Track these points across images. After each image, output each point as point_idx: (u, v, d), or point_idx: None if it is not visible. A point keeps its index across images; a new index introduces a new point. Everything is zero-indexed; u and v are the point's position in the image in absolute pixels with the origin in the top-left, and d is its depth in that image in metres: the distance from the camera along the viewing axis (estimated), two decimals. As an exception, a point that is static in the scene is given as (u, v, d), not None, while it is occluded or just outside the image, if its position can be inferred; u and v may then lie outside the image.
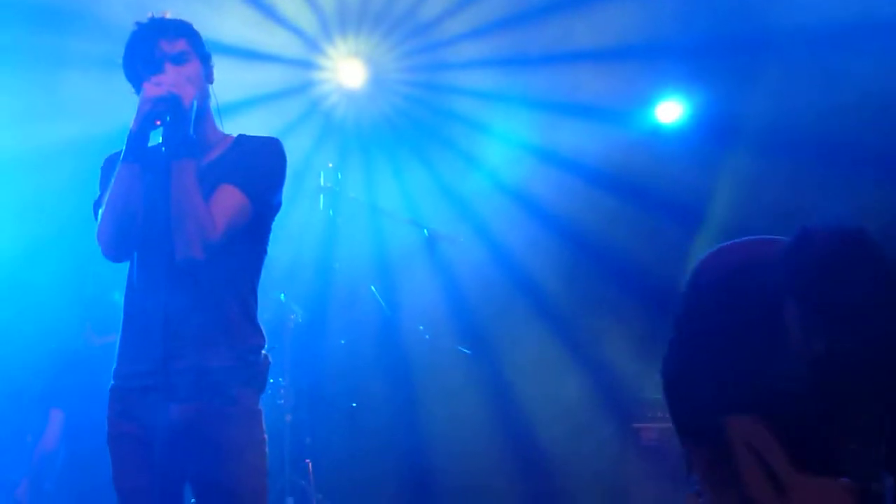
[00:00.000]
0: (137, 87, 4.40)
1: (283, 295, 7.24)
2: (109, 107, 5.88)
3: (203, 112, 4.43)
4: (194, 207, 4.22)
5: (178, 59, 4.41)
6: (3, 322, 7.51)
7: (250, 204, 4.37)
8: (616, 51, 8.12)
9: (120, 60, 4.45)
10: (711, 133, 8.19)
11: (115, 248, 4.34)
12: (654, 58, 8.12)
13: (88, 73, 7.53)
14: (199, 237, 4.20)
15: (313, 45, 8.34)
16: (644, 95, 8.28)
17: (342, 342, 7.78)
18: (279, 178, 4.50)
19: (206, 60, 4.54)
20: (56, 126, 7.58)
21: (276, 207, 4.52)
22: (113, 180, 4.27)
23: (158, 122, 4.24)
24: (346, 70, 8.45)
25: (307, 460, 7.33)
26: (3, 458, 7.43)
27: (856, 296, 3.03)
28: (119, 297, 4.51)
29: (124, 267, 4.46)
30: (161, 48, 4.40)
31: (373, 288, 7.95)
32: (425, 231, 8.03)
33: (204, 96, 4.46)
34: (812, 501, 3.67)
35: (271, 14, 8.00)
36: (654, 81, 8.23)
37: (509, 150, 8.42)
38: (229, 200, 4.33)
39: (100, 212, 4.35)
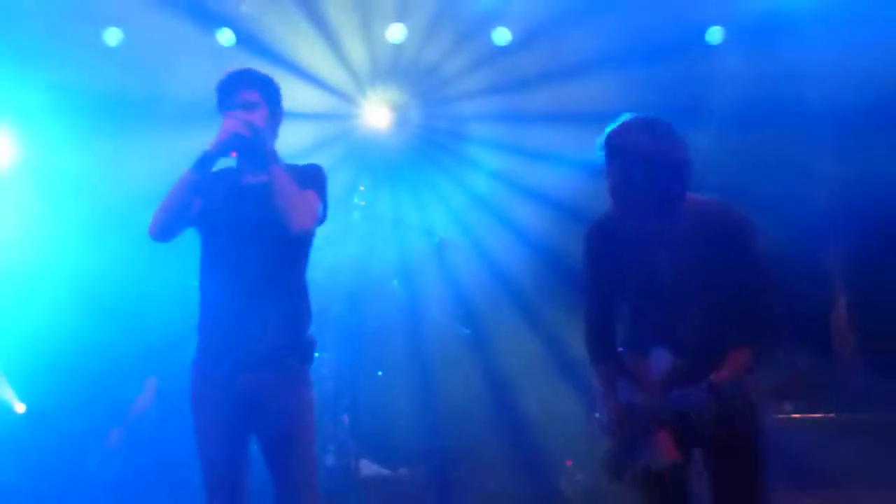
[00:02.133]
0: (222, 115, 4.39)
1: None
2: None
3: (269, 140, 4.40)
4: (299, 192, 4.27)
5: (251, 107, 4.35)
6: (108, 307, 7.35)
7: (321, 204, 4.40)
8: (594, 115, 8.01)
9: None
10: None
11: (161, 232, 4.34)
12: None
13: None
14: (308, 213, 4.28)
15: (350, 95, 8.28)
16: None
17: (371, 325, 7.72)
18: (326, 189, 4.48)
19: (275, 107, 4.49)
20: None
21: (326, 215, 4.49)
22: (177, 181, 4.29)
23: (234, 154, 4.30)
24: (376, 114, 8.40)
25: (345, 416, 7.28)
26: (99, 413, 7.27)
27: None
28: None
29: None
30: (240, 95, 4.37)
31: (395, 282, 7.98)
32: (436, 239, 8.03)
33: (269, 131, 4.42)
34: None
35: (318, 71, 7.93)
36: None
37: (501, 182, 8.37)
38: (313, 197, 4.35)
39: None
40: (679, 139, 4.12)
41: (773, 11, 7.49)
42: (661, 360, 4.11)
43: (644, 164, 4.05)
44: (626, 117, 4.19)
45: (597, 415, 4.62)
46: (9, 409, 7.55)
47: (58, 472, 7.04)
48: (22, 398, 7.59)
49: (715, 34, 7.80)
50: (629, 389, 4.15)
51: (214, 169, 4.36)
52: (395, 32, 7.90)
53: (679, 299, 4.09)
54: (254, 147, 4.23)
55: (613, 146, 4.13)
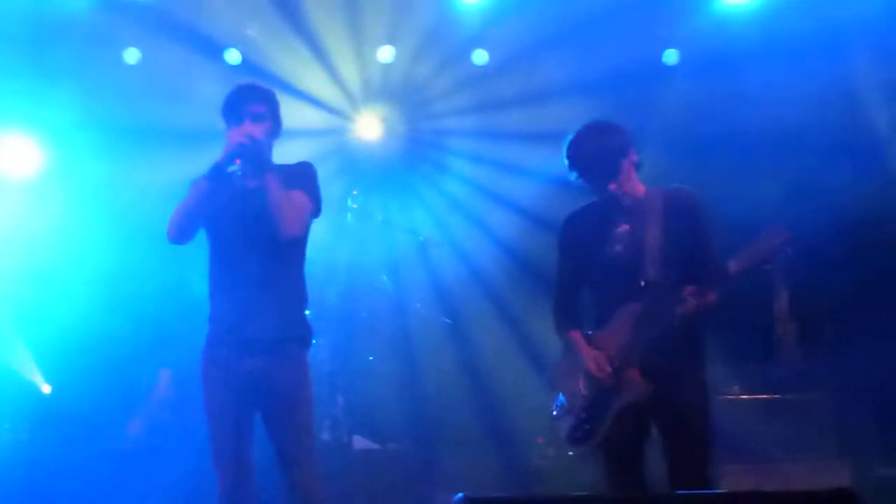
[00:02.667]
0: (227, 127, 4.48)
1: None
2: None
3: (267, 151, 4.46)
4: (289, 200, 4.35)
5: (257, 118, 4.45)
6: (126, 303, 7.46)
7: (312, 204, 4.47)
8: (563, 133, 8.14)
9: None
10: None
11: (178, 235, 4.41)
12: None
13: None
14: (297, 219, 4.37)
15: (344, 111, 8.35)
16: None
17: (363, 315, 7.73)
18: (318, 186, 4.56)
19: (277, 121, 4.57)
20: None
21: (320, 209, 4.58)
22: (190, 188, 4.39)
23: (238, 161, 4.32)
24: (367, 127, 8.44)
25: (339, 396, 7.31)
26: (118, 403, 7.36)
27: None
28: (203, 287, 4.59)
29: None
30: (247, 108, 4.46)
31: (384, 277, 8.00)
32: (420, 238, 8.10)
33: (270, 143, 4.50)
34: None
35: (315, 90, 8.02)
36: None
37: (478, 189, 8.50)
38: (303, 199, 4.43)
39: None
40: (616, 130, 4.47)
41: (724, 36, 7.58)
42: (629, 308, 4.32)
43: (610, 159, 4.39)
44: (586, 123, 4.52)
45: (557, 402, 4.72)
46: (36, 390, 7.62)
47: (78, 447, 7.02)
48: (48, 381, 7.66)
49: (671, 56, 7.89)
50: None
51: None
52: (385, 53, 7.94)
53: (640, 272, 4.31)
54: (254, 156, 4.31)
55: (572, 149, 4.48)
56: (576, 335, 4.52)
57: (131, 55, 7.78)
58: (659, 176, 7.94)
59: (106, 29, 7.58)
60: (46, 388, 7.67)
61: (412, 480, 7.01)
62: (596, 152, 4.42)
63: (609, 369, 4.34)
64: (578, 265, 4.56)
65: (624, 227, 4.43)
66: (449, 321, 7.93)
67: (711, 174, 7.75)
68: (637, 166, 4.48)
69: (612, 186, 4.42)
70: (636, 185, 4.48)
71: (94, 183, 7.80)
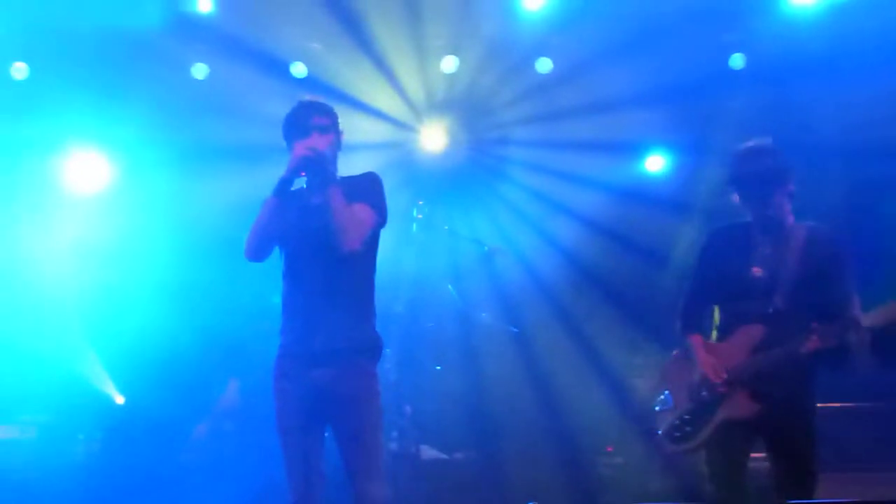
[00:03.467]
0: (289, 146, 4.50)
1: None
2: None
3: (333, 164, 4.50)
4: (350, 215, 4.35)
5: (322, 130, 4.48)
6: (196, 315, 7.49)
7: (376, 215, 4.47)
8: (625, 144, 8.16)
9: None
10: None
11: (255, 253, 4.45)
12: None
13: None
14: (357, 234, 4.36)
15: (408, 123, 8.34)
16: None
17: (429, 324, 7.78)
18: (384, 197, 4.58)
19: (339, 134, 4.60)
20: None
21: (385, 220, 4.58)
22: (261, 207, 4.41)
23: (303, 174, 4.37)
24: (431, 138, 8.43)
25: (407, 406, 7.31)
26: (187, 407, 7.40)
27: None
28: (277, 300, 4.61)
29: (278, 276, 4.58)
30: (312, 120, 4.47)
31: (450, 286, 7.98)
32: (485, 247, 8.05)
33: (335, 154, 4.53)
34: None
35: (379, 103, 8.03)
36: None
37: (541, 199, 8.47)
38: (366, 212, 4.43)
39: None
40: (778, 156, 4.64)
41: (792, 38, 7.41)
42: (752, 329, 4.50)
43: (768, 185, 4.56)
44: (754, 142, 4.71)
45: (662, 395, 4.88)
46: (110, 400, 7.71)
47: (149, 457, 7.15)
48: (122, 392, 7.74)
49: (737, 60, 7.73)
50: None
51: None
52: (449, 64, 7.90)
53: (771, 299, 4.51)
54: (319, 168, 4.33)
55: (734, 167, 4.70)
56: (697, 340, 4.74)
57: (199, 71, 7.83)
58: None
59: (174, 45, 7.61)
60: (120, 399, 7.74)
61: (480, 490, 7.03)
62: (756, 174, 4.57)
63: (724, 376, 4.54)
64: (715, 278, 4.73)
65: (766, 252, 4.60)
66: (514, 330, 7.90)
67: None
68: (791, 197, 4.62)
69: (764, 211, 4.58)
70: (787, 215, 4.63)
71: (163, 197, 7.89)
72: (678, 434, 4.68)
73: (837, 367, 4.71)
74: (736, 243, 4.67)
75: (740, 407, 4.50)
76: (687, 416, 4.65)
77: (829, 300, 4.44)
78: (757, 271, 4.56)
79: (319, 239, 4.39)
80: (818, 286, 4.46)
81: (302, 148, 4.34)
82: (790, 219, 4.63)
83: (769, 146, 4.69)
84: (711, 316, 4.86)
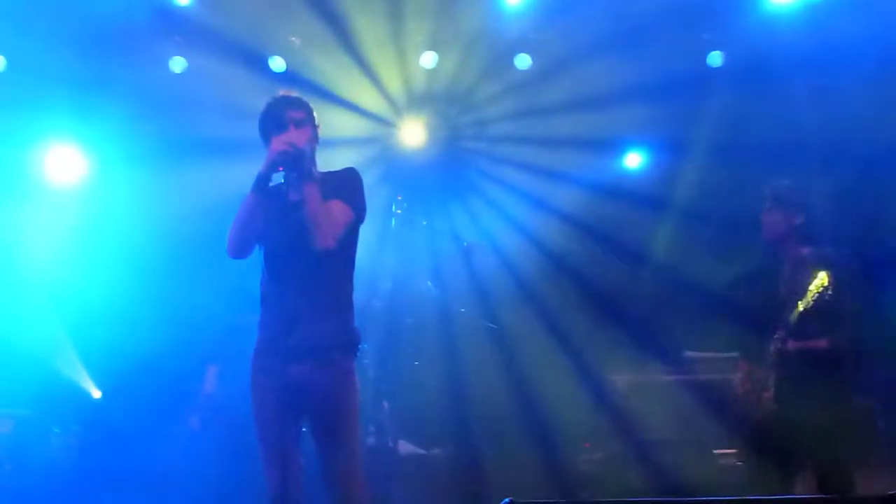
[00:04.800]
0: (266, 142, 4.48)
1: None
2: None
3: (311, 158, 4.48)
4: (326, 213, 4.35)
5: (299, 124, 4.46)
6: (176, 303, 7.42)
7: (353, 212, 4.47)
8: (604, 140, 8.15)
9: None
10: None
11: (236, 250, 4.44)
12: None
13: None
14: (331, 232, 4.35)
15: (388, 118, 8.31)
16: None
17: (408, 320, 7.67)
18: (363, 193, 4.57)
19: (315, 128, 4.59)
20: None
21: (363, 216, 4.58)
22: (240, 204, 4.40)
23: (281, 168, 4.35)
24: (411, 134, 8.41)
25: (384, 402, 7.28)
26: (178, 400, 7.35)
27: None
28: (255, 293, 4.59)
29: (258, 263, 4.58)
30: (288, 115, 4.43)
31: (429, 282, 7.97)
32: (464, 243, 8.10)
33: (312, 149, 4.51)
34: None
35: (358, 99, 7.99)
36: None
37: (520, 194, 8.45)
38: (341, 209, 4.43)
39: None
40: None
41: (770, 36, 7.41)
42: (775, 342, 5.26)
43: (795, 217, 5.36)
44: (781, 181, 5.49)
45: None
46: (87, 394, 7.69)
47: (126, 450, 7.14)
48: (98, 386, 7.73)
49: (716, 58, 7.74)
50: None
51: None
52: (428, 59, 7.87)
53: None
54: (297, 163, 4.31)
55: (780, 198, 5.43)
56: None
57: (177, 64, 7.78)
58: (704, 181, 7.94)
59: (153, 38, 7.59)
60: (97, 393, 7.73)
61: (457, 485, 7.01)
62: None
63: (749, 386, 5.36)
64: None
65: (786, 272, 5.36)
66: (493, 326, 7.85)
67: (757, 179, 7.68)
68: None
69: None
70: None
71: (140, 191, 7.83)
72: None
73: None
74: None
75: (763, 407, 5.30)
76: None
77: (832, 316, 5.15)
78: (782, 288, 5.33)
79: (297, 235, 4.36)
80: (826, 304, 5.12)
81: (279, 143, 4.33)
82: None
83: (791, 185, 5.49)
84: None
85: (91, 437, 7.43)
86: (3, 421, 6.97)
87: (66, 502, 6.83)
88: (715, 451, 7.07)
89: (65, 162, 8.04)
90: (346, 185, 4.51)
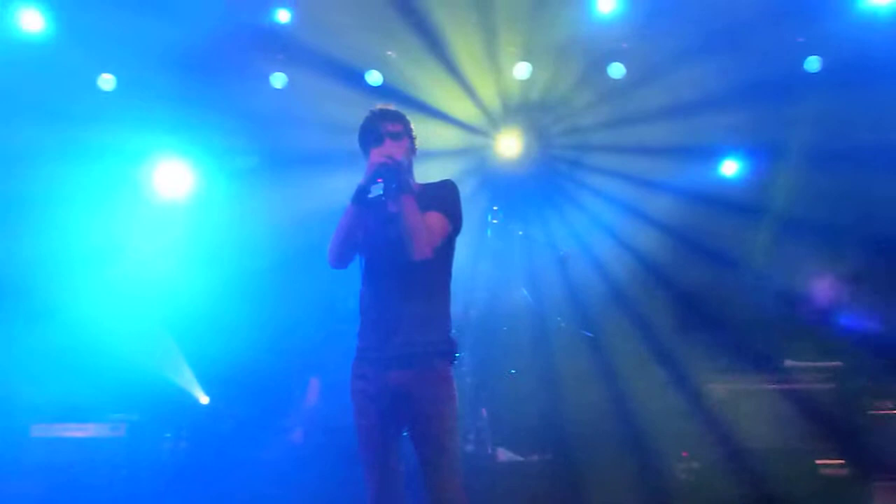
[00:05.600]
0: (365, 154, 4.49)
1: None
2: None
3: (408, 170, 4.50)
4: (423, 224, 4.35)
5: (396, 136, 4.47)
6: (279, 313, 7.56)
7: (450, 223, 4.47)
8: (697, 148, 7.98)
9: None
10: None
11: (337, 261, 4.42)
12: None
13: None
14: (429, 242, 4.35)
15: (484, 130, 8.33)
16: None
17: (504, 328, 7.71)
18: (460, 204, 4.55)
19: (412, 140, 4.60)
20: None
21: (460, 227, 4.57)
22: (341, 216, 4.39)
23: (380, 180, 4.34)
24: (506, 145, 8.40)
25: (483, 409, 7.33)
26: (281, 407, 7.52)
27: None
28: (353, 304, 4.58)
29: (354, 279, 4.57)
30: (385, 128, 4.45)
31: (524, 291, 7.94)
32: (560, 252, 8.03)
33: (409, 161, 4.53)
34: None
35: (455, 111, 8.03)
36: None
37: (615, 203, 8.36)
38: (439, 221, 4.43)
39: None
40: None
41: (868, 39, 7.24)
42: None
43: None
44: None
45: None
46: (196, 401, 7.83)
47: (232, 454, 7.24)
48: (207, 392, 7.86)
49: (813, 63, 7.59)
50: None
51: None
52: (522, 70, 7.87)
53: None
54: (395, 175, 4.31)
55: None
56: None
57: (278, 80, 7.92)
58: (802, 187, 7.78)
59: (254, 56, 7.75)
60: (205, 399, 7.86)
61: (555, 492, 6.94)
62: None
63: None
64: None
65: None
66: (589, 334, 7.80)
67: (855, 184, 7.49)
68: None
69: None
70: None
71: (244, 204, 8.00)
72: None
73: None
74: None
75: None
76: None
77: None
78: None
79: (396, 246, 4.37)
80: None
81: (378, 155, 4.34)
82: None
83: None
84: None
85: (199, 441, 7.53)
86: (117, 425, 7.06)
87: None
88: (817, 462, 6.93)
89: (173, 176, 8.22)
90: (443, 197, 4.51)
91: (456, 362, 4.56)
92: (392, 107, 4.62)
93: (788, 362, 7.46)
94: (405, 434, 4.50)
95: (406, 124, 4.56)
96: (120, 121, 7.61)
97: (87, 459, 6.90)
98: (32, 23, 7.33)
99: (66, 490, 6.72)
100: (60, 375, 7.29)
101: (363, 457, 4.40)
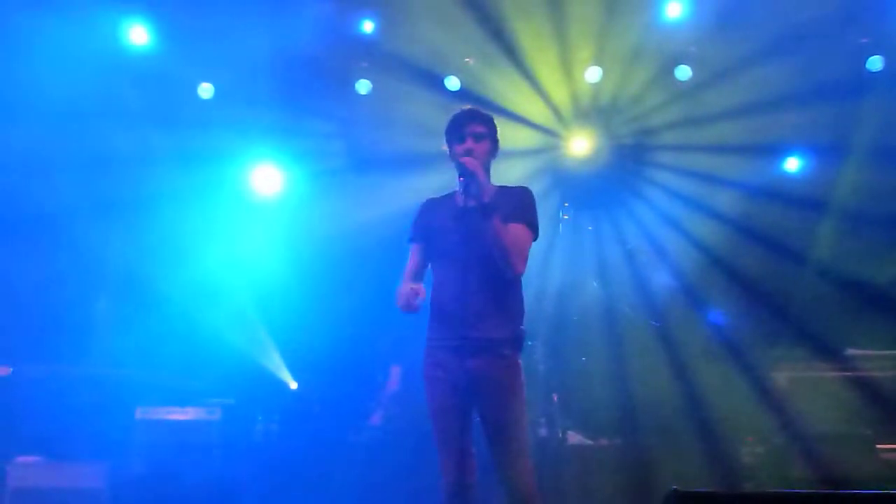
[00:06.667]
0: (450, 148, 4.63)
1: None
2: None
3: (486, 171, 4.58)
4: (515, 243, 4.46)
5: (478, 137, 4.59)
6: (363, 304, 7.66)
7: (532, 233, 4.59)
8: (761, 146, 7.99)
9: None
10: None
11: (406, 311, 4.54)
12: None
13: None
14: (522, 258, 4.48)
15: (555, 131, 8.39)
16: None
17: (575, 318, 7.77)
18: (536, 212, 4.64)
19: (495, 142, 4.69)
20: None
21: (538, 234, 4.66)
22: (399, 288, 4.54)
23: (461, 178, 4.47)
24: (577, 144, 8.46)
25: (554, 395, 7.36)
26: (356, 393, 7.66)
27: None
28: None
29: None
30: (469, 127, 4.60)
31: (594, 283, 8.00)
32: (628, 246, 8.14)
33: (488, 163, 4.63)
34: None
35: (528, 113, 8.11)
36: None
37: (681, 200, 8.37)
38: (525, 234, 4.55)
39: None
40: None
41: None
42: None
43: None
44: None
45: None
46: (286, 386, 8.00)
47: (320, 437, 7.43)
48: (296, 378, 8.03)
49: (875, 63, 7.59)
50: None
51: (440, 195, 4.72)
52: (593, 74, 7.97)
53: None
54: (474, 178, 4.43)
55: None
56: None
57: (363, 86, 8.13)
58: (864, 183, 7.76)
59: (341, 64, 7.95)
60: (294, 385, 8.03)
61: (624, 474, 7.00)
62: None
63: None
64: None
65: None
66: (656, 324, 7.85)
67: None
68: None
69: None
70: None
71: (329, 201, 8.19)
72: None
73: None
74: None
75: None
76: None
77: None
78: None
79: (470, 242, 4.47)
80: None
81: (467, 159, 4.47)
82: None
83: None
84: None
85: (289, 424, 7.71)
86: (213, 409, 7.20)
87: (266, 482, 7.12)
88: (878, 447, 6.95)
89: (266, 177, 8.45)
90: (523, 207, 4.58)
91: (529, 350, 4.69)
92: (481, 109, 4.75)
93: (850, 351, 7.50)
94: (477, 419, 4.57)
95: (491, 127, 4.65)
96: (218, 126, 7.84)
97: (186, 440, 7.05)
98: (139, 37, 7.62)
99: (166, 467, 6.90)
100: (163, 362, 7.51)
101: (438, 440, 4.48)
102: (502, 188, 4.63)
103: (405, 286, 4.51)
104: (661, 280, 8.09)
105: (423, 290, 4.45)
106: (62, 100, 7.33)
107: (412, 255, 4.74)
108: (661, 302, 7.99)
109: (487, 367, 4.48)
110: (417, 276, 4.69)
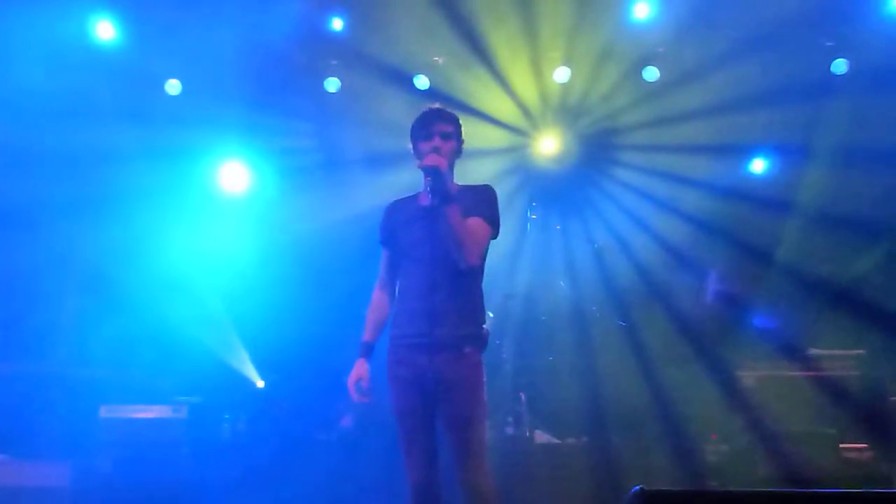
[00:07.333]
0: (415, 146, 4.58)
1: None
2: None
3: (450, 170, 4.53)
4: (470, 234, 4.41)
5: (446, 137, 4.54)
6: (328, 303, 7.62)
7: (491, 228, 4.52)
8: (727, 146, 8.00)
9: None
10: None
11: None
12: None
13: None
14: (476, 251, 4.43)
15: (524, 130, 8.37)
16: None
17: (543, 318, 7.73)
18: (498, 210, 4.58)
19: (460, 142, 4.65)
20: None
21: (498, 232, 4.61)
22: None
23: (427, 178, 4.40)
24: (545, 144, 8.42)
25: (521, 394, 7.33)
26: (321, 397, 7.57)
27: None
28: None
29: None
30: (437, 125, 4.55)
31: (562, 282, 7.98)
32: (595, 245, 8.11)
33: (453, 163, 4.57)
34: None
35: (497, 112, 8.07)
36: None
37: (648, 199, 8.36)
38: (482, 227, 4.48)
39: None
40: None
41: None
42: None
43: None
44: None
45: None
46: (252, 385, 7.95)
47: (287, 435, 7.38)
48: (262, 377, 7.99)
49: (840, 66, 7.59)
50: None
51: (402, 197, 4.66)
52: (562, 74, 7.94)
53: None
54: (441, 175, 4.35)
55: None
56: None
57: (332, 84, 8.06)
58: (828, 184, 7.79)
59: (309, 61, 7.88)
60: (260, 383, 7.99)
61: (590, 473, 6.97)
62: None
63: None
64: None
65: None
66: (623, 323, 7.84)
67: (880, 181, 7.50)
68: None
69: None
70: None
71: (297, 199, 8.14)
72: None
73: None
74: None
75: None
76: None
77: None
78: None
79: (432, 241, 4.45)
80: None
81: (431, 157, 4.40)
82: None
83: None
84: None
85: (256, 423, 7.65)
86: (179, 408, 7.11)
87: (233, 480, 7.01)
88: (842, 446, 6.96)
89: (234, 175, 8.36)
90: (484, 202, 4.54)
91: (494, 350, 4.64)
92: (448, 108, 4.69)
93: (814, 350, 7.51)
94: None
95: (457, 126, 4.60)
96: (185, 123, 7.76)
97: (152, 439, 6.98)
98: (106, 32, 7.50)
99: (132, 466, 6.82)
100: (129, 360, 7.46)
101: (403, 440, 4.45)
102: (465, 186, 4.60)
103: (375, 298, 4.67)
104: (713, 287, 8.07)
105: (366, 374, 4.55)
106: (27, 95, 7.24)
107: (383, 259, 4.72)
108: (628, 302, 7.98)
109: (449, 364, 4.43)
110: (391, 278, 4.67)
